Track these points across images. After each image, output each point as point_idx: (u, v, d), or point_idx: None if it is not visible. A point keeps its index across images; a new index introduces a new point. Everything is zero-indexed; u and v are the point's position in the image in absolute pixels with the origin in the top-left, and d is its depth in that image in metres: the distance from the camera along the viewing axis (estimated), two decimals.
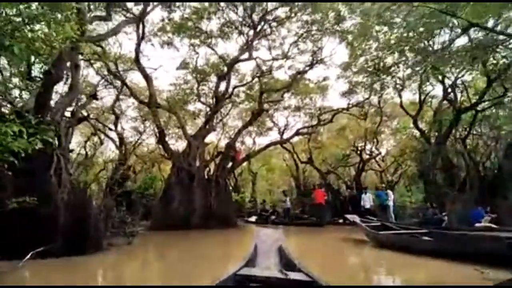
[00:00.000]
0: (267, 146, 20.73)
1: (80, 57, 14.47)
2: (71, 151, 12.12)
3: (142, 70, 15.80)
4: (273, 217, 21.28)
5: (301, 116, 26.37)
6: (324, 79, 22.62)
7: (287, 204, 22.20)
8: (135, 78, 20.34)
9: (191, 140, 16.47)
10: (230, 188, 21.98)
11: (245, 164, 33.42)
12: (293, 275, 2.98)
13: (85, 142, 20.35)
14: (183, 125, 16.67)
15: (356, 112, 22.63)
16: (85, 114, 16.36)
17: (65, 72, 7.87)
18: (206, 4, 16.75)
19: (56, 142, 7.40)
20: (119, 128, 21.00)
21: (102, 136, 21.28)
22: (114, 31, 9.88)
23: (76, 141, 22.29)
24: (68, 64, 7.98)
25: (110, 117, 21.09)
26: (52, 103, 7.83)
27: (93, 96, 13.83)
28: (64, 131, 8.32)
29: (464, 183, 16.13)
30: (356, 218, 10.20)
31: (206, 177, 17.42)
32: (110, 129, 20.05)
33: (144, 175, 20.90)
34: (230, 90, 17.99)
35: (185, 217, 15.75)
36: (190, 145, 16.54)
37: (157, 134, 17.00)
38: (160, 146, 18.05)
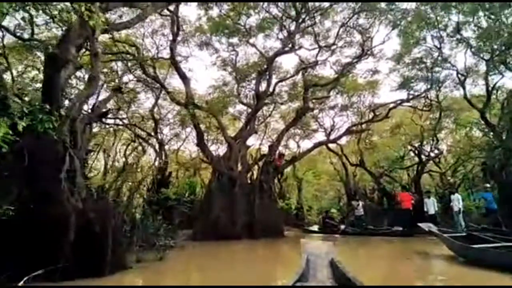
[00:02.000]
0: (315, 146, 19.00)
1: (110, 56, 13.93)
2: (90, 152, 11.23)
3: (178, 69, 14.86)
4: (342, 226, 18.63)
5: (349, 116, 24.51)
6: (375, 72, 20.54)
7: (360, 211, 18.49)
8: (173, 82, 19.73)
9: (232, 143, 15.22)
10: (275, 194, 20.40)
11: (289, 169, 32.02)
12: None
13: (125, 149, 19.74)
14: (222, 127, 15.46)
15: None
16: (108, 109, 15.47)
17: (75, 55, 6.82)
18: None
19: (70, 141, 6.33)
20: (159, 135, 20.30)
21: (144, 144, 20.83)
22: (140, 18, 8.87)
23: (118, 149, 22.06)
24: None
25: (151, 124, 20.51)
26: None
27: (118, 89, 12.67)
28: (81, 128, 7.30)
29: None
30: (432, 227, 8.27)
31: (249, 182, 16.07)
32: (150, 135, 19.34)
33: (183, 181, 19.86)
34: (271, 87, 16.51)
35: (227, 225, 14.45)
36: (231, 148, 15.30)
37: (196, 136, 15.91)
38: (200, 150, 16.90)
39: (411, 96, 19.19)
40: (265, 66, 16.28)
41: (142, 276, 6.72)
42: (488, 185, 15.51)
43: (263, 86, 16.68)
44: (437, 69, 18.69)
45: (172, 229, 10.15)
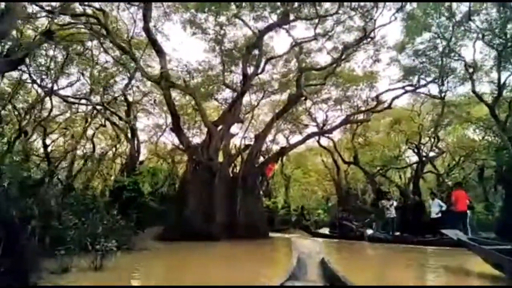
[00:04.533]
0: (307, 138, 16.97)
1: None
2: None
3: (153, 42, 12.75)
4: (369, 231, 14.74)
5: (344, 111, 22.68)
6: (375, 61, 18.67)
7: (392, 212, 14.80)
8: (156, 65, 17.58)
9: (212, 129, 13.14)
10: (261, 191, 18.33)
11: (277, 166, 30.14)
12: None
13: (93, 134, 17.50)
14: (202, 109, 13.33)
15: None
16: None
17: None
18: None
19: None
20: (132, 120, 18.08)
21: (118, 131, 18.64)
22: None
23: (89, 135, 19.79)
24: None
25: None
26: None
27: (48, 33, 9.75)
28: None
29: None
30: (462, 235, 6.35)
31: (231, 175, 14.06)
32: (121, 119, 17.09)
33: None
34: (261, 67, 14.47)
35: (203, 224, 12.40)
36: (211, 136, 13.22)
37: (171, 120, 13.79)
38: (176, 137, 14.72)
39: (417, 85, 17.30)
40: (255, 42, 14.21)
41: None
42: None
43: (251, 68, 14.69)
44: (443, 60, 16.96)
45: (127, 226, 7.99)
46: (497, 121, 14.62)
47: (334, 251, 11.21)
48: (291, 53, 17.94)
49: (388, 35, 16.48)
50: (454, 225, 11.19)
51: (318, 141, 23.13)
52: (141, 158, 17.78)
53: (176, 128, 13.24)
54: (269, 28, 13.91)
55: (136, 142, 17.15)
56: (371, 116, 17.92)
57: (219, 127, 14.21)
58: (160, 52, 12.96)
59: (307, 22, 16.80)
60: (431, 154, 20.06)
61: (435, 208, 14.07)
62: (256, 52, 14.17)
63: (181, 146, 14.56)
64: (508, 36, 14.17)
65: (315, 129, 22.01)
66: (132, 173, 13.84)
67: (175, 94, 18.69)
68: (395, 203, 15.07)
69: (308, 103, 22.59)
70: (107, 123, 18.88)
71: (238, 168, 14.64)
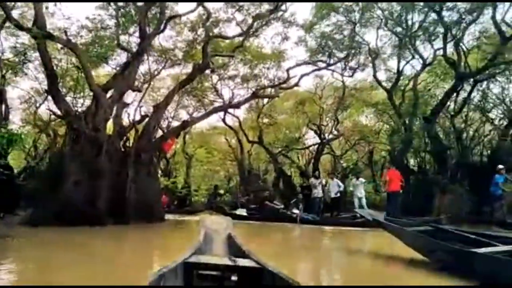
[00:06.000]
0: (212, 111, 15.71)
1: None
2: None
3: None
4: (296, 211, 13.29)
5: (250, 89, 22.06)
6: (284, 39, 18.23)
7: (319, 192, 13.65)
8: None
9: (99, 93, 11.00)
10: (158, 169, 16.58)
11: (179, 144, 28.48)
12: (242, 262, 2.84)
13: None
14: (86, 68, 10.97)
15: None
16: None
17: None
18: None
19: None
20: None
21: None
22: None
23: None
24: None
25: None
26: None
27: None
28: None
29: (457, 169, 12.97)
30: (378, 216, 5.99)
31: (122, 150, 12.19)
32: None
33: None
34: (162, 25, 12.62)
35: (85, 206, 10.45)
36: (98, 101, 11.11)
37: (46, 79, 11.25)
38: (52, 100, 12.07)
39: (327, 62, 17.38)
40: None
41: None
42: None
43: (151, 28, 12.79)
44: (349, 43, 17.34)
45: None
46: (394, 106, 15.51)
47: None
48: (198, 21, 16.48)
49: (298, 13, 15.93)
50: (396, 203, 11.40)
51: (223, 119, 22.22)
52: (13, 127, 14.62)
53: (52, 89, 10.76)
54: None
55: (3, 107, 13.87)
56: (279, 93, 17.52)
57: (109, 94, 12.15)
58: None
59: None
60: (331, 136, 20.82)
61: (334, 188, 14.41)
62: (156, 10, 12.33)
63: (59, 113, 12.05)
64: (410, 24, 14.98)
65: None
66: None
67: (60, 56, 15.81)
68: (324, 181, 14.40)
69: (215, 78, 21.47)
70: None
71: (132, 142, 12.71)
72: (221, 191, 26.01)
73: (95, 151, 10.88)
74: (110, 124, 12.40)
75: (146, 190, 11.90)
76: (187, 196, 24.03)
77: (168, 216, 14.10)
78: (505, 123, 15.31)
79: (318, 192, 13.74)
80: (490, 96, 15.89)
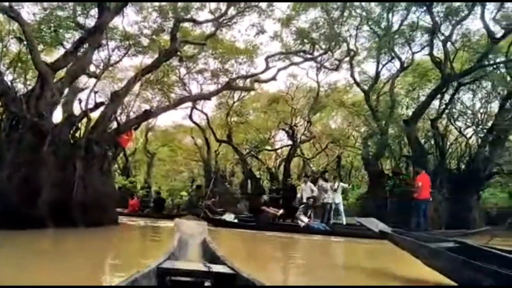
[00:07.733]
0: (180, 101, 14.26)
1: None
2: None
3: None
4: (303, 217, 11.54)
5: (220, 85, 20.83)
6: (259, 32, 17.19)
7: (329, 197, 12.17)
8: None
9: (46, 72, 9.32)
10: (112, 166, 14.68)
11: (140, 141, 26.69)
12: (216, 268, 2.75)
13: None
14: (31, 42, 9.26)
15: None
16: None
17: None
18: None
19: None
20: None
21: None
22: None
23: None
24: None
25: None
26: None
27: None
28: None
29: (436, 176, 12.44)
30: (385, 227, 4.83)
31: (71, 141, 10.54)
32: None
33: None
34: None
35: (22, 206, 8.74)
36: (44, 83, 9.44)
37: None
38: None
39: (308, 56, 16.52)
40: None
41: None
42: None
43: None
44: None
45: None
46: (370, 108, 14.89)
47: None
48: (168, 7, 15.10)
49: (275, 5, 14.95)
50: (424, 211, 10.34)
51: (189, 116, 20.82)
52: None
53: None
54: None
55: None
56: (255, 86, 16.40)
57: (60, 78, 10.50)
58: None
59: None
60: (303, 137, 20.04)
61: (306, 192, 13.39)
62: None
63: None
64: (389, 24, 14.46)
65: (188, 104, 19.55)
66: None
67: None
68: (335, 186, 12.57)
69: (182, 72, 20.08)
70: None
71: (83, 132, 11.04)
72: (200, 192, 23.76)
73: (38, 141, 9.21)
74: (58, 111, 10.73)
75: (97, 188, 10.33)
76: (161, 199, 21.31)
77: (139, 222, 12.49)
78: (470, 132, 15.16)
79: (328, 197, 12.12)
80: (457, 103, 15.61)
